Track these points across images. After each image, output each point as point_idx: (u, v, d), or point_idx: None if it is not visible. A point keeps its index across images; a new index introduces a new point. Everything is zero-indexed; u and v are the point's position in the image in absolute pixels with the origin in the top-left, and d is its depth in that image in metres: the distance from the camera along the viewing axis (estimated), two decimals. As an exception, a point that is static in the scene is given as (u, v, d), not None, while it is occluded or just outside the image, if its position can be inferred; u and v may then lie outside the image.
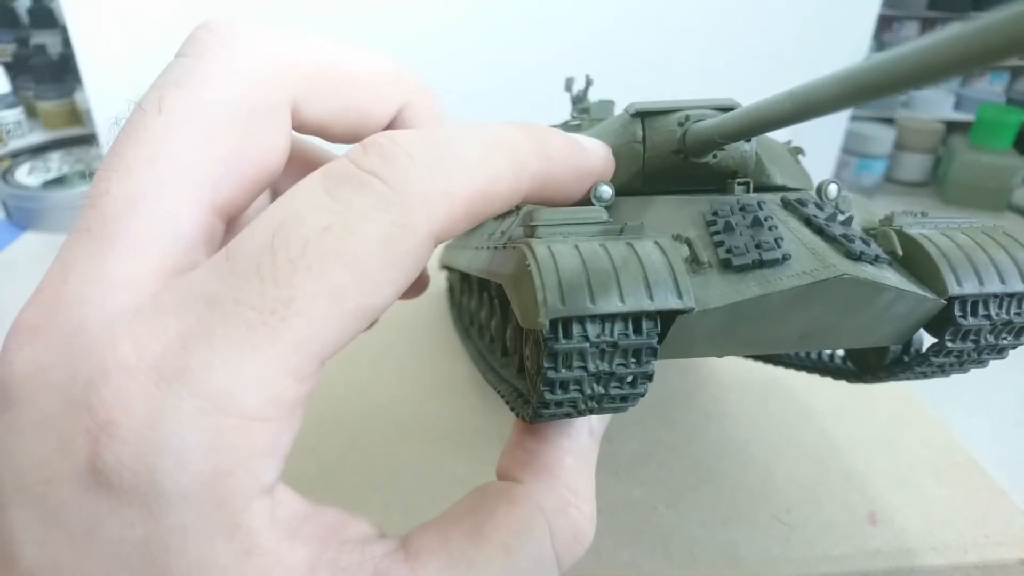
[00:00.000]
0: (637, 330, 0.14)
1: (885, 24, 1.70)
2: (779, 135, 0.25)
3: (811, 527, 0.24)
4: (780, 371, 0.32)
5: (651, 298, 0.13)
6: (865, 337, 0.17)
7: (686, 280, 0.14)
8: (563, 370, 0.14)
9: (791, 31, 0.61)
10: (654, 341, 0.14)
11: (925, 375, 0.18)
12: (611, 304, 0.13)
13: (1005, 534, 0.24)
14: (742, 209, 0.16)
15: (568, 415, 0.15)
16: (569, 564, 0.15)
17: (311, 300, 0.12)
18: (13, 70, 0.92)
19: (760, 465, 0.27)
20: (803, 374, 0.31)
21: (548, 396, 0.14)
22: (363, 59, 0.17)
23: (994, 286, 0.15)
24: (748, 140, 0.18)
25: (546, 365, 0.14)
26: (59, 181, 0.94)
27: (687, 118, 0.18)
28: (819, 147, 0.67)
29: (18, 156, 0.84)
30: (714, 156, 0.18)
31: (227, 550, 0.12)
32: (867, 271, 0.15)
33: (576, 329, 0.13)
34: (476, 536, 0.14)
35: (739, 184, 0.18)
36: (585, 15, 0.59)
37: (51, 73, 0.91)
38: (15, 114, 0.84)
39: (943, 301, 0.15)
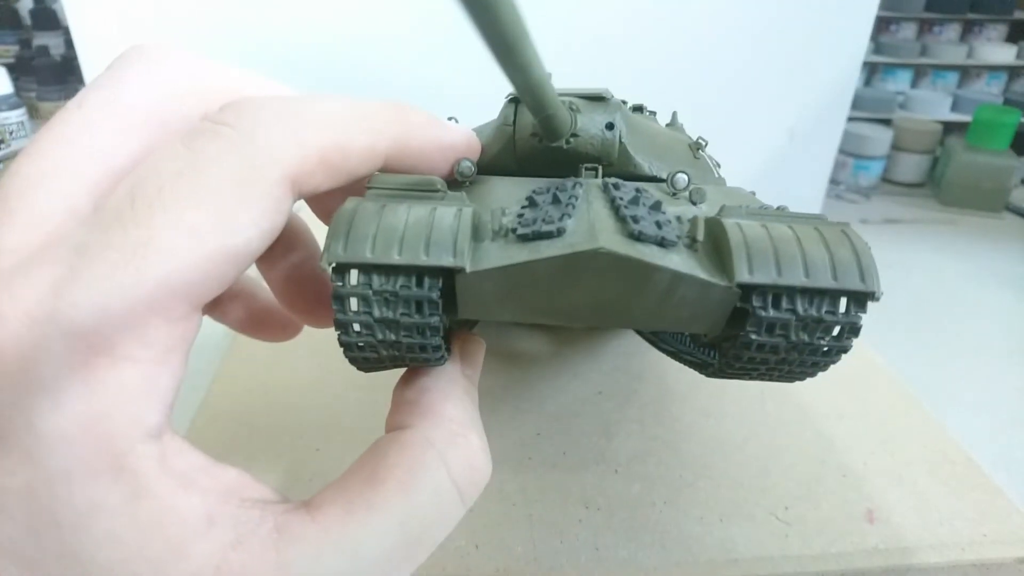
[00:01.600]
0: (420, 283, 0.15)
1: (883, 25, 1.71)
2: (691, 129, 0.26)
3: (809, 524, 0.24)
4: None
5: (427, 254, 0.14)
6: (662, 319, 0.16)
7: (465, 242, 0.15)
8: (350, 314, 0.15)
9: (787, 32, 0.61)
10: (434, 295, 0.15)
11: (747, 372, 0.18)
12: (388, 256, 0.14)
13: (1002, 532, 0.24)
14: (557, 188, 0.17)
15: (379, 361, 0.17)
16: (472, 495, 0.16)
17: (169, 239, 0.12)
18: (15, 71, 0.92)
19: (758, 463, 0.27)
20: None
21: (343, 338, 0.16)
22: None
23: (794, 279, 0.15)
24: (610, 128, 0.19)
25: (334, 307, 0.15)
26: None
27: None
28: (817, 148, 0.67)
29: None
30: (567, 142, 0.19)
31: (115, 493, 0.12)
32: (635, 249, 0.15)
33: (361, 277, 0.15)
34: (372, 480, 0.14)
35: (587, 169, 0.19)
36: (577, 13, 0.60)
37: (53, 74, 0.91)
38: (17, 115, 0.84)
39: (735, 288, 0.15)
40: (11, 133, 0.80)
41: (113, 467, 0.12)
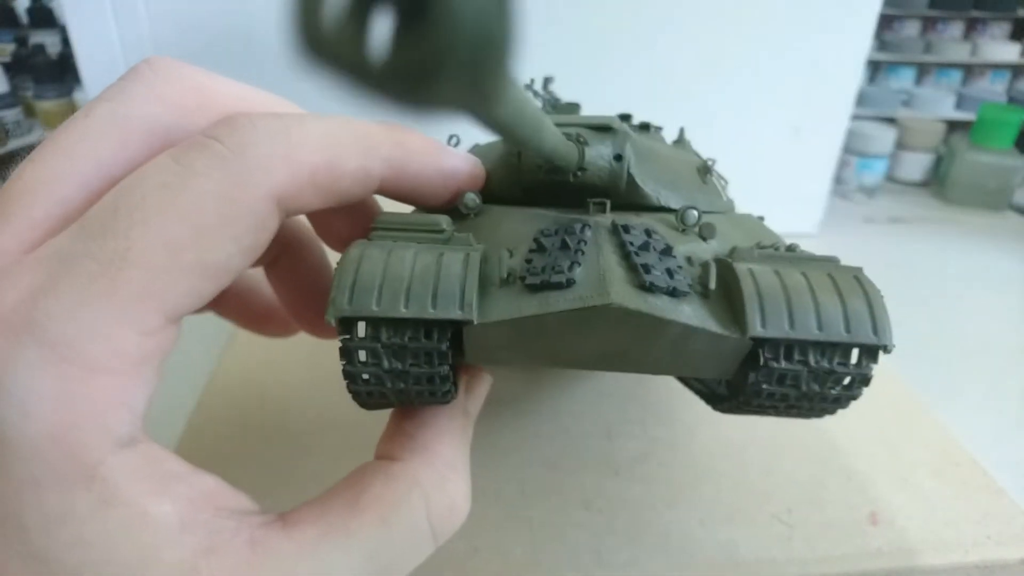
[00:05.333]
0: (428, 335, 0.14)
1: (886, 23, 1.70)
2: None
3: (812, 527, 0.24)
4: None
5: (434, 307, 0.14)
6: (674, 366, 0.16)
7: (473, 293, 0.14)
8: (359, 365, 0.15)
9: (791, 30, 0.61)
10: (443, 346, 0.14)
11: (762, 411, 0.17)
12: (395, 309, 0.14)
13: (1006, 534, 0.24)
14: (566, 230, 0.16)
15: (388, 405, 0.17)
16: (445, 536, 0.16)
17: (147, 251, 0.12)
18: (12, 70, 0.91)
19: (760, 464, 0.27)
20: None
21: (352, 387, 0.15)
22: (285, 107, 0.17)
23: (807, 333, 0.14)
24: (618, 159, 0.18)
25: (341, 360, 0.15)
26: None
27: None
28: (820, 147, 0.67)
29: (17, 156, 0.84)
30: (575, 175, 0.18)
31: (85, 501, 0.12)
32: (648, 302, 0.14)
33: (368, 330, 0.14)
34: (354, 507, 0.14)
35: (595, 204, 0.18)
36: (581, 12, 0.59)
37: (50, 73, 0.91)
38: (13, 114, 0.84)
39: (747, 340, 0.15)
40: (8, 132, 0.80)
41: (83, 476, 0.12)
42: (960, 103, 1.67)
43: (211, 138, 0.14)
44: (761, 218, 0.22)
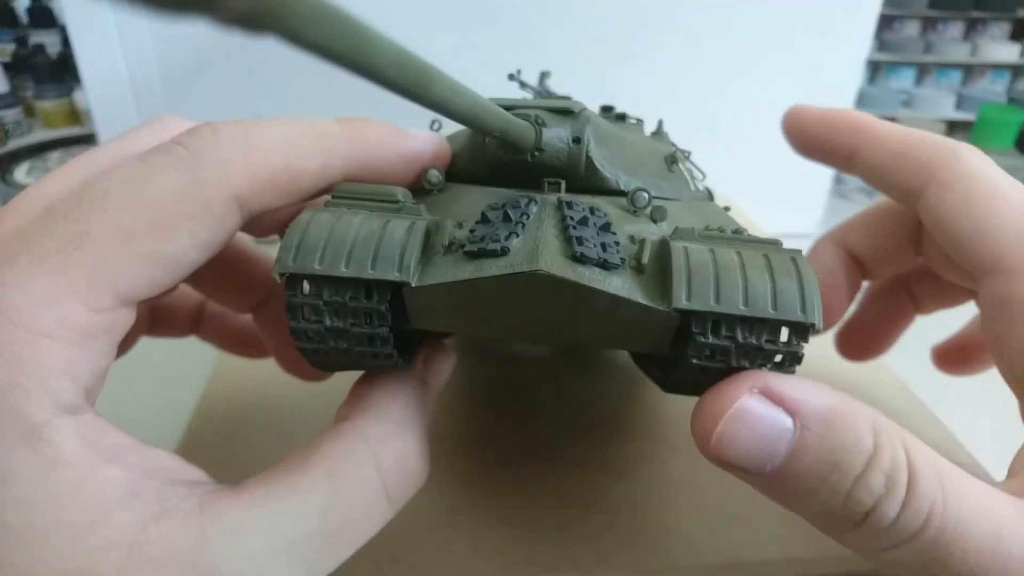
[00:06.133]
0: (368, 296, 0.15)
1: (886, 23, 1.70)
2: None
3: (812, 527, 0.24)
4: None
5: (373, 268, 0.15)
6: (609, 339, 0.17)
7: (413, 257, 0.15)
8: (303, 322, 0.15)
9: (791, 30, 0.61)
10: (382, 307, 0.15)
11: (701, 389, 0.17)
12: (336, 268, 0.15)
13: (1007, 534, 0.24)
14: (511, 204, 0.17)
15: (337, 366, 0.17)
16: (400, 496, 0.16)
17: (104, 236, 0.13)
18: (12, 70, 0.92)
19: (761, 465, 0.27)
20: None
21: (297, 344, 0.16)
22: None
23: (732, 307, 0.15)
24: (577, 142, 0.19)
25: (287, 315, 0.16)
26: (59, 181, 0.93)
27: None
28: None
29: (17, 156, 0.84)
30: (532, 155, 0.19)
31: (31, 461, 0.12)
32: (576, 271, 0.15)
33: (312, 288, 0.15)
34: (301, 465, 0.15)
35: (550, 184, 0.19)
36: (580, 12, 0.59)
37: (50, 73, 0.91)
38: (13, 114, 0.84)
39: (673, 313, 0.15)
40: (8, 132, 0.80)
41: (28, 435, 0.12)
42: (960, 103, 1.67)
43: (176, 143, 0.15)
44: (727, 208, 0.22)
